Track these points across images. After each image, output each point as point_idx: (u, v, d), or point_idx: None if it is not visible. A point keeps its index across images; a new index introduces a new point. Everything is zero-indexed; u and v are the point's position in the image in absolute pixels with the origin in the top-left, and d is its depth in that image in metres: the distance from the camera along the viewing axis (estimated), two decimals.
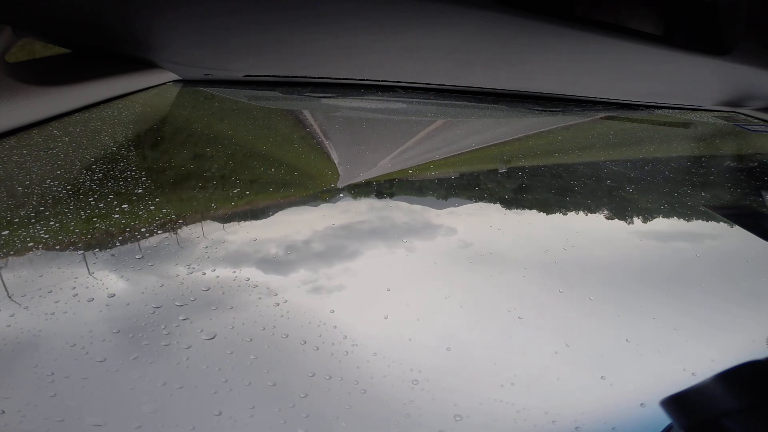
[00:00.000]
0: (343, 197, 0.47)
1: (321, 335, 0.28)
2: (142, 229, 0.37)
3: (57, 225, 0.36)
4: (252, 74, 0.89)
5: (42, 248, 0.34)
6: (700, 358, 0.30)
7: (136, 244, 0.35)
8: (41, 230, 0.35)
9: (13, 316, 0.27)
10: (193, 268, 0.33)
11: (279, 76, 0.90)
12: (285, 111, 0.85)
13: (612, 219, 0.48)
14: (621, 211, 0.50)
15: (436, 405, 0.25)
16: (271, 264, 0.35)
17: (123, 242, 0.35)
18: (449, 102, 0.95)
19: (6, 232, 0.35)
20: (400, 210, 0.45)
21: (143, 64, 0.79)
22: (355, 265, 0.36)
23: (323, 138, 0.68)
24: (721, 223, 0.49)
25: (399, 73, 0.93)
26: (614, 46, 0.84)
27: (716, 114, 1.08)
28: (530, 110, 0.93)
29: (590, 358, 0.29)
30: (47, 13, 0.65)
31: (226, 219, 0.40)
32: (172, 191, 0.46)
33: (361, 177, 0.53)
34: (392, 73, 0.93)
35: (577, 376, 0.28)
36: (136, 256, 0.34)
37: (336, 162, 0.59)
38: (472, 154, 0.67)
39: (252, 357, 0.26)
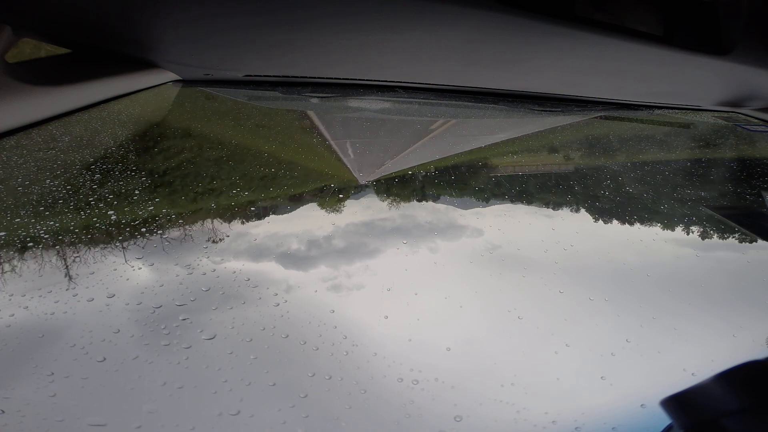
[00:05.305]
0: (342, 198, 0.47)
1: (321, 335, 0.28)
2: (142, 229, 0.37)
3: (57, 225, 0.36)
4: (252, 74, 0.89)
5: (42, 248, 0.34)
6: (700, 358, 0.30)
7: (136, 244, 0.35)
8: (41, 230, 0.35)
9: (13, 316, 0.27)
10: (193, 268, 0.33)
11: (279, 76, 0.90)
12: (285, 111, 0.85)
13: (612, 219, 0.48)
14: (621, 211, 0.50)
15: (436, 405, 0.25)
16: (271, 264, 0.35)
17: (123, 242, 0.35)
18: (449, 102, 0.95)
19: (6, 232, 0.35)
20: (399, 210, 0.45)
21: (143, 64, 0.79)
22: (355, 265, 0.36)
23: (323, 138, 0.68)
24: (721, 223, 0.49)
25: (399, 73, 0.93)
26: (614, 46, 0.84)
27: (716, 114, 1.08)
28: (530, 110, 0.93)
29: (590, 358, 0.29)
30: (47, 13, 0.65)
31: (225, 219, 0.40)
32: (172, 191, 0.45)
33: (361, 177, 0.53)
34: (392, 73, 0.93)
35: (577, 376, 0.28)
36: (136, 256, 0.34)
37: (336, 163, 0.59)
38: (471, 155, 0.67)
39: (252, 357, 0.26)
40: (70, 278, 0.31)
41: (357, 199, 0.47)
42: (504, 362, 0.28)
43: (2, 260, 0.32)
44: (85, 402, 0.23)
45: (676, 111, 1.08)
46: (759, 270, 0.41)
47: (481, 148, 0.72)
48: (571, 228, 0.45)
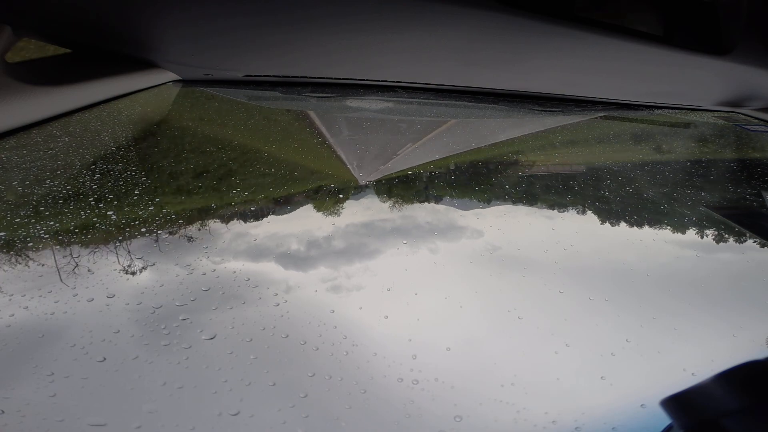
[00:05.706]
0: (342, 198, 0.47)
1: (321, 335, 0.28)
2: (142, 229, 0.37)
3: (57, 225, 0.36)
4: (252, 74, 0.89)
5: (42, 248, 0.34)
6: (700, 358, 0.30)
7: (136, 244, 0.35)
8: (41, 230, 0.35)
9: (13, 316, 0.27)
10: (193, 268, 0.33)
11: (279, 76, 0.90)
12: (285, 111, 0.85)
13: (612, 219, 0.48)
14: (621, 211, 0.50)
15: (436, 405, 0.25)
16: (271, 264, 0.35)
17: (123, 242, 0.35)
18: (449, 102, 0.95)
19: (6, 232, 0.35)
20: (399, 211, 0.45)
21: (143, 64, 0.79)
22: (355, 265, 0.36)
23: (323, 138, 0.68)
24: (721, 223, 0.49)
25: (399, 73, 0.93)
26: (614, 46, 0.84)
27: (716, 114, 1.08)
28: (530, 110, 0.93)
29: (590, 358, 0.29)
30: (47, 13, 0.65)
31: (225, 219, 0.40)
32: (172, 191, 0.46)
33: (361, 177, 0.53)
34: (392, 73, 0.93)
35: (577, 376, 0.28)
36: (136, 256, 0.34)
37: (336, 163, 0.59)
38: (471, 155, 0.67)
39: (252, 357, 0.26)
40: (70, 278, 0.31)
41: (357, 199, 0.47)
42: (504, 362, 0.28)
43: (2, 260, 0.32)
44: (85, 402, 0.23)
45: (676, 111, 1.08)
46: (759, 270, 0.41)
47: (481, 148, 0.72)
48: (571, 228, 0.45)
